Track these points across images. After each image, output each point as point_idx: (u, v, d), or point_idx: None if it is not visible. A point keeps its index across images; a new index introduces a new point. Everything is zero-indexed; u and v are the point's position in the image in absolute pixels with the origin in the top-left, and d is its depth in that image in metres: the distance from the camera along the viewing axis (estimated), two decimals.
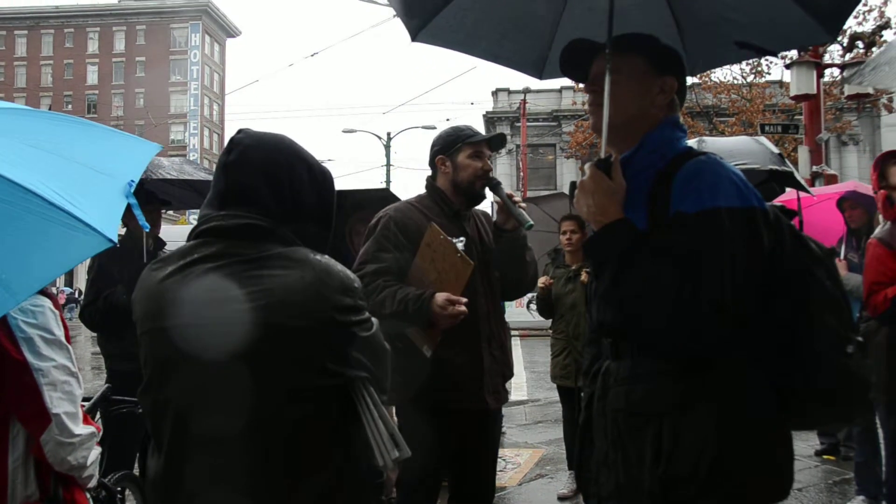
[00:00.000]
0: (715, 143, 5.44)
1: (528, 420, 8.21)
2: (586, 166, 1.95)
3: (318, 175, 1.83)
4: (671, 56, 2.04)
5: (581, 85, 2.16)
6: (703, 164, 1.82)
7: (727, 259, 1.70)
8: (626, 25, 2.04)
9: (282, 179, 1.76)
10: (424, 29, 2.46)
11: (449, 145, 3.22)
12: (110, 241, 1.97)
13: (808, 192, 5.76)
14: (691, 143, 5.29)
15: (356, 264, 3.07)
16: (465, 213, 3.23)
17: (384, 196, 4.77)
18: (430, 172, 3.30)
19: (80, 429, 2.25)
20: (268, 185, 1.74)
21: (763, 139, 5.69)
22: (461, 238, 3.03)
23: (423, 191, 3.32)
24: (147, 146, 2.65)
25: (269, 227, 1.71)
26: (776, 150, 5.21)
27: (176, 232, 8.79)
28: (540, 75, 2.66)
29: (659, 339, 1.78)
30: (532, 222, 3.05)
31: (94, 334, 5.05)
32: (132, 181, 2.29)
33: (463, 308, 2.84)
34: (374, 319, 1.79)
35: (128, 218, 3.93)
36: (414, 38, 2.48)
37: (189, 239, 1.78)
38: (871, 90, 12.38)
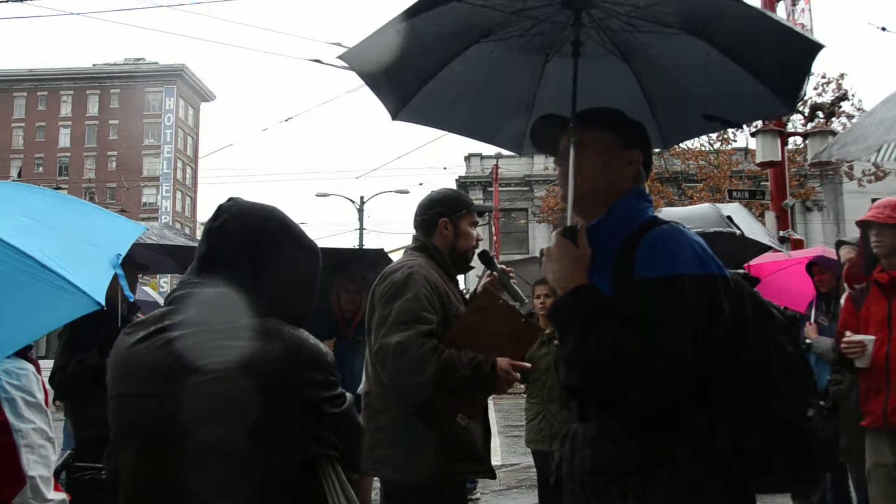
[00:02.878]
0: (670, 212, 5.63)
1: (503, 486, 8.09)
2: (552, 234, 2.02)
3: (305, 250, 1.82)
4: (637, 130, 2.14)
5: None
6: (664, 233, 1.90)
7: (688, 323, 1.76)
8: (598, 102, 2.14)
9: (263, 250, 1.75)
10: (405, 108, 2.52)
11: (455, 209, 3.16)
12: (98, 303, 1.98)
13: (767, 245, 5.97)
14: None
15: (397, 321, 2.86)
16: (456, 280, 3.21)
17: (378, 255, 4.78)
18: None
19: (52, 494, 2.21)
20: (247, 254, 1.73)
21: (726, 207, 5.88)
22: (517, 303, 3.01)
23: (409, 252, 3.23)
24: (133, 226, 2.70)
25: (242, 297, 1.68)
26: (726, 213, 5.38)
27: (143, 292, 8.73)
28: (520, 150, 2.73)
29: (618, 404, 1.82)
30: (527, 300, 3.04)
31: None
32: (119, 254, 2.32)
33: (519, 375, 2.80)
34: (347, 395, 1.76)
35: None
36: (395, 118, 2.53)
37: (165, 304, 1.77)
38: (833, 158, 12.74)
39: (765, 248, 6.40)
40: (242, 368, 1.58)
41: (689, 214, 5.32)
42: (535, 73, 2.49)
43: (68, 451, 3.33)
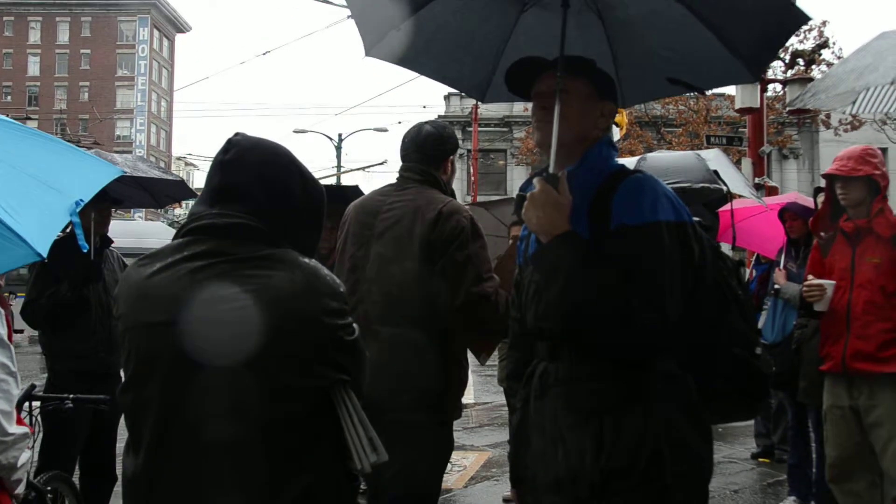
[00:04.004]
0: (655, 159, 5.63)
1: (475, 423, 8.27)
2: (535, 180, 2.03)
3: (310, 184, 1.85)
4: (609, 82, 2.20)
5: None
6: (643, 181, 1.97)
7: (668, 268, 1.86)
8: (568, 52, 2.15)
9: (276, 183, 1.77)
10: (377, 45, 2.51)
11: (455, 148, 3.13)
12: (39, 255, 1.96)
13: (741, 196, 6.03)
14: (634, 159, 5.45)
15: (485, 272, 2.83)
16: None
17: (354, 193, 4.74)
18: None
19: (14, 428, 2.22)
20: (262, 186, 1.75)
21: (707, 153, 5.89)
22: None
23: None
24: (107, 169, 2.64)
25: (260, 228, 1.71)
26: (713, 168, 5.39)
27: (123, 228, 8.62)
28: (482, 98, 2.73)
29: (607, 344, 1.90)
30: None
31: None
32: (81, 200, 2.28)
33: None
34: (355, 325, 1.80)
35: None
36: (367, 54, 2.53)
37: (178, 236, 1.77)
38: (808, 106, 12.77)
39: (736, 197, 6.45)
40: (267, 296, 1.62)
41: (675, 165, 5.31)
42: (509, 23, 2.50)
43: (30, 383, 3.35)
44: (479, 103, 30.00)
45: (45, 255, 1.99)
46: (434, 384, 2.79)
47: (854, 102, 3.68)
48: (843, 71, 3.58)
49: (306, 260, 1.73)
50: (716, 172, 5.35)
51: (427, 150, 3.03)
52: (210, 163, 1.84)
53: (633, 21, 2.36)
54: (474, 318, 2.82)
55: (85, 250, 3.53)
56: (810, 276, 3.81)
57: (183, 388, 1.64)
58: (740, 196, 6.10)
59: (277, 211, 1.75)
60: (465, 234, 2.82)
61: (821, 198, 4.71)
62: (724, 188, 5.23)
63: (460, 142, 34.60)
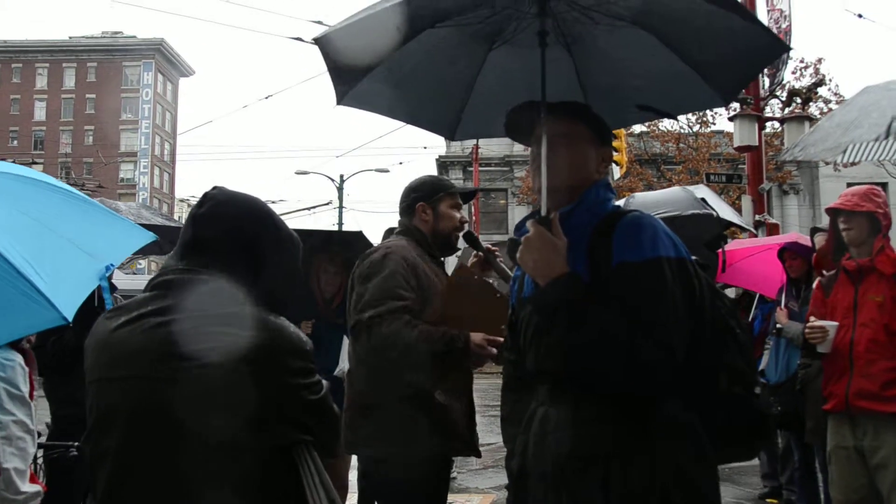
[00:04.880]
0: (643, 197, 5.70)
1: (479, 465, 8.18)
2: (528, 223, 2.04)
3: (286, 241, 1.85)
4: (607, 128, 2.22)
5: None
6: (641, 219, 1.98)
7: (672, 304, 1.85)
8: (535, 88, 2.17)
9: (247, 239, 1.78)
10: (349, 94, 2.53)
11: (431, 193, 3.24)
12: (65, 319, 1.97)
13: (741, 228, 6.08)
14: (622, 201, 5.52)
15: (371, 299, 2.93)
16: (441, 261, 3.26)
17: (356, 238, 4.78)
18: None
19: (27, 486, 2.23)
20: (232, 242, 1.76)
21: (693, 187, 5.98)
22: (491, 278, 3.06)
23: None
24: (140, 234, 2.66)
25: (226, 284, 1.70)
26: (700, 196, 5.46)
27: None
28: (452, 136, 2.80)
29: (613, 383, 1.88)
30: None
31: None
32: (111, 265, 2.30)
33: (495, 350, 2.83)
34: (324, 382, 1.80)
35: None
36: (339, 102, 2.55)
37: (147, 289, 1.78)
38: (797, 159, 12.88)
39: (737, 227, 6.50)
40: (227, 355, 1.61)
41: (664, 198, 5.39)
42: (478, 62, 2.54)
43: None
44: (478, 144, 30.39)
45: (70, 319, 2.01)
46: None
47: (844, 152, 3.74)
48: (829, 126, 3.65)
49: (272, 318, 1.72)
50: (703, 200, 5.41)
51: (401, 203, 3.31)
52: None
53: (602, 52, 2.40)
54: (359, 346, 2.96)
55: (109, 307, 3.55)
56: (812, 317, 3.81)
57: (137, 445, 1.64)
58: (731, 224, 6.14)
59: (247, 266, 1.75)
60: (370, 268, 3.02)
61: (818, 238, 4.74)
62: (714, 213, 5.27)
63: (461, 182, 34.73)
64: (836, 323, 3.68)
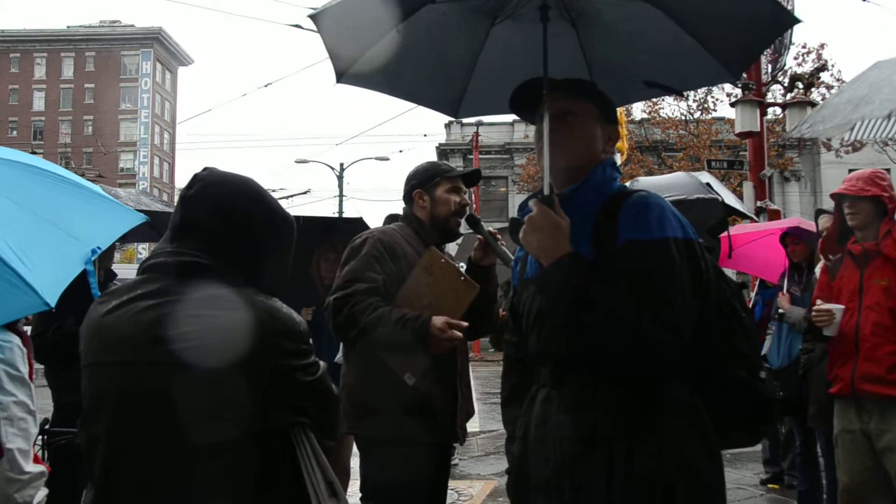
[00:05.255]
0: (647, 181, 5.67)
1: (480, 451, 8.20)
2: (531, 203, 2.00)
3: (279, 221, 1.81)
4: (613, 106, 2.18)
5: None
6: (648, 198, 1.94)
7: (679, 284, 1.81)
8: (539, 64, 2.14)
9: (237, 219, 1.74)
10: (348, 72, 2.49)
11: (427, 179, 3.23)
12: (47, 304, 1.96)
13: (742, 215, 6.06)
14: (626, 184, 5.50)
15: (342, 281, 3.00)
16: (441, 247, 3.23)
17: (357, 225, 4.78)
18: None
19: (31, 467, 2.22)
20: (221, 223, 1.72)
21: (696, 173, 5.95)
22: (461, 263, 3.05)
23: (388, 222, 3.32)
24: (129, 215, 2.64)
25: (216, 267, 1.68)
26: (704, 181, 5.44)
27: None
28: (456, 114, 2.76)
29: (619, 365, 1.85)
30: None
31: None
32: (98, 248, 2.28)
33: (460, 334, 2.82)
34: (321, 363, 1.77)
35: None
36: (338, 81, 2.51)
37: (138, 273, 1.76)
38: (804, 136, 12.87)
39: (738, 214, 6.48)
40: (216, 337, 1.58)
41: (669, 183, 5.35)
42: (480, 37, 2.50)
43: (43, 418, 3.33)
44: (479, 131, 30.34)
45: (53, 304, 1.99)
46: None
47: (852, 129, 3.70)
48: (839, 101, 3.60)
49: (263, 299, 1.69)
50: (708, 185, 5.39)
51: (403, 192, 3.33)
52: None
53: (608, 27, 2.36)
54: (329, 326, 3.05)
55: (97, 296, 3.52)
56: (819, 301, 3.79)
57: (127, 430, 1.62)
58: (734, 209, 6.12)
59: (237, 246, 1.72)
60: (348, 254, 3.11)
61: (822, 220, 4.71)
62: (720, 198, 5.26)
63: (461, 169, 34.90)
64: (842, 306, 3.66)
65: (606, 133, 2.12)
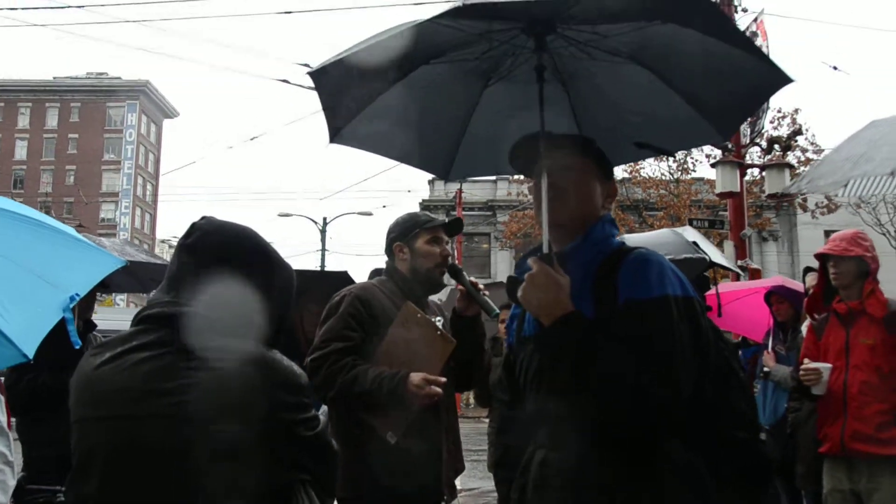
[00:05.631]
0: (634, 239, 5.68)
1: None
2: (530, 261, 1.97)
3: (278, 267, 1.79)
4: (609, 163, 2.17)
5: (516, 177, 2.26)
6: (648, 256, 1.93)
7: (679, 343, 1.79)
8: (529, 125, 2.14)
9: (236, 269, 1.70)
10: (342, 132, 2.46)
11: (406, 231, 3.19)
12: (25, 356, 1.91)
13: (727, 268, 6.11)
14: None
15: (319, 341, 2.98)
16: (425, 300, 3.20)
17: (341, 278, 4.73)
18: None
19: None
20: (220, 273, 1.68)
21: (681, 230, 5.99)
22: (439, 318, 3.01)
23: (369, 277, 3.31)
24: (108, 260, 2.60)
25: (214, 318, 1.63)
26: (691, 239, 5.48)
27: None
28: (446, 176, 2.75)
29: (620, 425, 1.81)
30: (498, 311, 3.01)
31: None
32: (77, 294, 2.23)
33: (439, 390, 2.77)
34: (321, 417, 1.73)
35: None
36: (332, 141, 2.47)
37: (133, 324, 1.71)
38: (802, 191, 13.14)
39: (725, 268, 6.51)
40: (215, 389, 1.54)
41: (655, 240, 5.38)
42: (473, 98, 2.50)
43: (22, 474, 3.21)
44: (462, 188, 30.58)
45: (31, 356, 1.93)
46: None
47: (846, 186, 3.76)
48: (837, 159, 3.66)
49: (263, 351, 1.65)
50: (695, 244, 5.42)
51: (385, 244, 3.29)
52: None
53: (598, 89, 2.36)
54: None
55: (77, 346, 3.44)
56: (806, 360, 3.80)
57: (120, 489, 1.56)
58: (721, 267, 6.15)
59: (237, 297, 1.68)
60: (327, 312, 3.09)
61: (809, 278, 4.76)
62: (707, 257, 5.28)
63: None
64: (829, 365, 3.67)
65: (605, 189, 2.12)
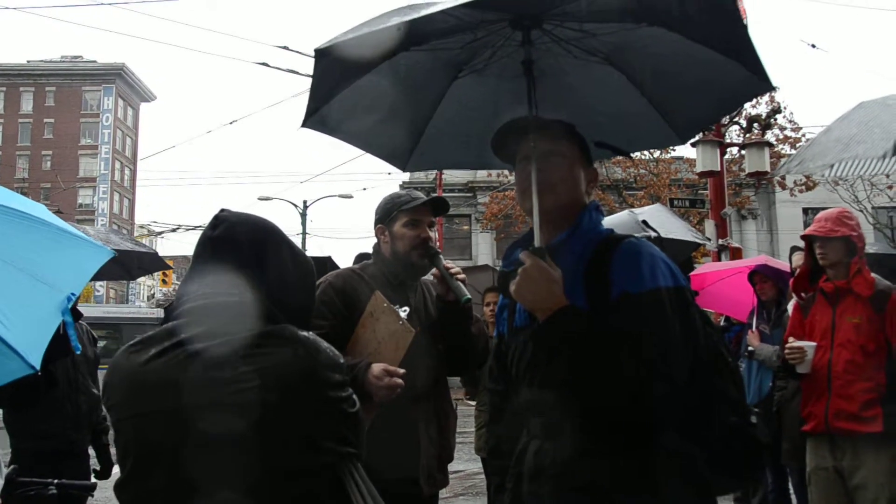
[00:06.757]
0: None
1: (449, 493, 8.07)
2: (522, 255, 1.96)
3: (299, 256, 1.83)
4: (588, 147, 2.16)
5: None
6: (639, 247, 1.94)
7: (672, 335, 1.82)
8: (496, 119, 2.15)
9: (268, 257, 1.75)
10: (314, 116, 2.41)
11: (386, 214, 3.12)
12: (32, 367, 1.87)
13: (691, 242, 6.27)
14: None
15: None
16: (411, 283, 3.14)
17: (324, 264, 4.71)
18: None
19: None
20: (254, 262, 1.72)
21: (642, 209, 6.12)
22: (405, 307, 2.97)
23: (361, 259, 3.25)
24: (97, 252, 2.54)
25: (257, 305, 1.67)
26: (641, 219, 5.59)
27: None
28: (404, 167, 2.73)
29: (616, 416, 1.83)
30: (469, 296, 2.94)
31: None
32: (73, 294, 2.19)
33: (400, 380, 2.71)
34: (355, 397, 1.76)
35: None
36: (303, 125, 2.44)
37: (168, 318, 1.73)
38: (767, 168, 13.28)
39: (687, 245, 6.59)
40: (270, 375, 1.59)
41: (609, 222, 5.48)
42: (440, 91, 2.47)
43: (13, 466, 3.19)
44: (442, 170, 30.49)
45: (38, 367, 1.89)
46: None
47: (832, 168, 3.78)
48: (828, 140, 3.67)
49: (305, 334, 1.70)
50: (644, 222, 5.51)
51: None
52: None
53: (568, 86, 2.35)
54: None
55: (78, 351, 3.41)
56: (791, 338, 3.84)
57: (191, 477, 1.58)
58: (674, 239, 6.24)
59: (270, 285, 1.72)
60: None
61: (796, 257, 4.80)
62: (653, 234, 5.36)
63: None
64: (814, 343, 3.71)
65: (589, 174, 2.13)
